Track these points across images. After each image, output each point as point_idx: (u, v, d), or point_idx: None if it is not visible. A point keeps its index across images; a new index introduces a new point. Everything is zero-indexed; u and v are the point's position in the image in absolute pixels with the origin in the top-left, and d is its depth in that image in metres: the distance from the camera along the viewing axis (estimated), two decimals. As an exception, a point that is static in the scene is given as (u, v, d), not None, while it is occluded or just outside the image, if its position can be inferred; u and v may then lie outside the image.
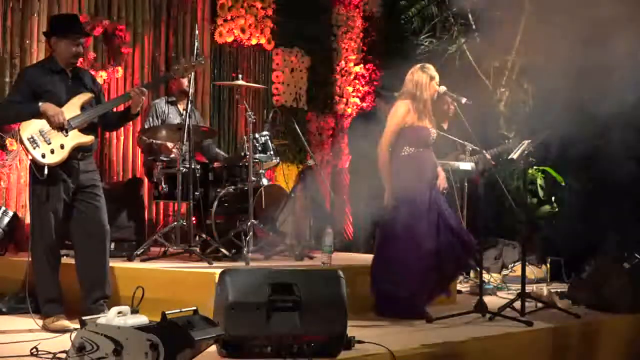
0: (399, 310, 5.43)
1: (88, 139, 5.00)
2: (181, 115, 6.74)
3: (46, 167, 4.80)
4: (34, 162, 4.81)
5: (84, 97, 5.03)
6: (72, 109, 4.94)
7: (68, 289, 5.11)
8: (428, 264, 5.46)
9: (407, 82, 5.64)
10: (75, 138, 4.92)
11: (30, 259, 4.97)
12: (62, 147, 4.86)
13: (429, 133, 5.61)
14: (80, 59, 6.77)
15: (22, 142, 4.84)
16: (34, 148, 4.79)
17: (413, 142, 5.58)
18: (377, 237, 5.84)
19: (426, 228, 5.49)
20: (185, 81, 6.71)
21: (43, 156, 4.80)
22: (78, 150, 4.95)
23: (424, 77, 5.58)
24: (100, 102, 5.18)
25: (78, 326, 4.63)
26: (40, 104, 4.84)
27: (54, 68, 5.01)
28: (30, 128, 4.83)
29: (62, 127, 4.85)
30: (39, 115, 4.84)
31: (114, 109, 5.40)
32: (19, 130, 4.87)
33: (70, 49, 5.00)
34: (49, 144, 4.83)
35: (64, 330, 4.72)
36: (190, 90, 6.33)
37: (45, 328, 4.86)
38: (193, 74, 6.70)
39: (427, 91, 5.57)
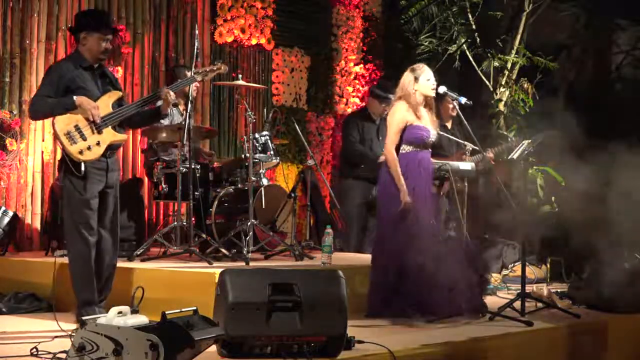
0: (396, 309, 5.44)
1: (122, 137, 4.99)
2: (182, 115, 6.74)
3: (83, 164, 4.77)
4: (70, 158, 4.76)
5: (115, 95, 5.00)
6: (104, 106, 4.89)
7: (68, 289, 5.11)
8: (418, 265, 5.49)
9: (400, 83, 5.66)
10: (111, 136, 4.89)
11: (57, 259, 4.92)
12: (98, 144, 4.82)
13: (428, 134, 5.61)
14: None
15: (58, 138, 4.78)
16: (71, 144, 4.74)
17: (411, 141, 5.59)
18: (375, 235, 5.87)
19: (416, 227, 5.51)
20: (194, 86, 6.66)
21: (81, 152, 4.76)
22: (108, 148, 4.90)
23: (409, 77, 5.60)
24: (124, 100, 5.14)
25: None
26: (75, 97, 4.78)
27: (83, 64, 4.94)
28: (66, 123, 4.76)
29: (96, 122, 4.80)
30: (74, 108, 4.77)
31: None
32: (53, 124, 4.80)
33: (101, 44, 4.94)
34: (85, 140, 4.78)
35: None
36: (195, 92, 6.37)
37: None
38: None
39: (413, 91, 5.56)
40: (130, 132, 7.45)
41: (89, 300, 4.86)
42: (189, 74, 6.61)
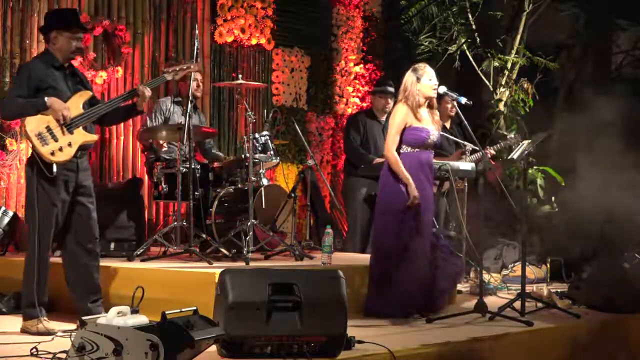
0: (393, 309, 5.45)
1: (93, 137, 4.99)
2: (193, 117, 6.72)
3: (54, 165, 4.74)
4: (41, 159, 4.72)
5: (85, 95, 4.98)
6: (75, 107, 4.87)
7: (67, 289, 5.10)
8: (419, 265, 5.50)
9: (402, 84, 5.66)
10: (82, 136, 4.87)
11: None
12: (69, 145, 4.80)
13: (428, 134, 5.61)
14: (80, 58, 6.82)
15: (29, 138, 4.73)
16: (43, 145, 4.71)
17: (411, 142, 5.59)
18: (372, 235, 5.87)
19: (417, 227, 5.52)
20: (194, 84, 6.66)
21: (52, 154, 4.72)
22: (79, 149, 4.88)
23: (411, 77, 5.59)
24: (95, 99, 5.12)
25: (62, 329, 4.69)
26: (46, 98, 4.73)
27: (54, 63, 4.90)
28: (37, 124, 4.72)
29: (67, 123, 4.78)
30: (45, 109, 4.73)
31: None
32: (23, 125, 4.76)
33: (71, 43, 4.91)
34: (56, 141, 4.75)
35: (47, 333, 4.66)
36: (198, 92, 6.41)
37: (25, 330, 4.78)
38: (200, 77, 6.75)
39: (416, 91, 5.56)
40: (130, 130, 7.46)
41: (38, 300, 4.80)
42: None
